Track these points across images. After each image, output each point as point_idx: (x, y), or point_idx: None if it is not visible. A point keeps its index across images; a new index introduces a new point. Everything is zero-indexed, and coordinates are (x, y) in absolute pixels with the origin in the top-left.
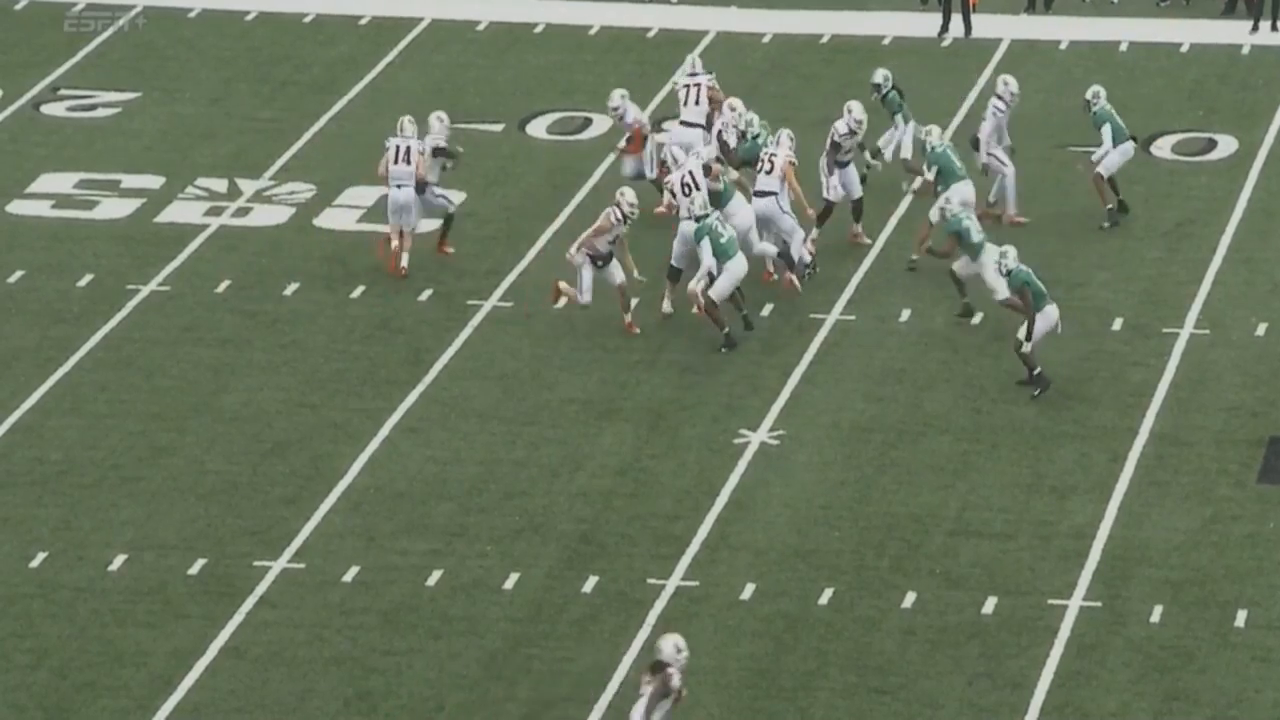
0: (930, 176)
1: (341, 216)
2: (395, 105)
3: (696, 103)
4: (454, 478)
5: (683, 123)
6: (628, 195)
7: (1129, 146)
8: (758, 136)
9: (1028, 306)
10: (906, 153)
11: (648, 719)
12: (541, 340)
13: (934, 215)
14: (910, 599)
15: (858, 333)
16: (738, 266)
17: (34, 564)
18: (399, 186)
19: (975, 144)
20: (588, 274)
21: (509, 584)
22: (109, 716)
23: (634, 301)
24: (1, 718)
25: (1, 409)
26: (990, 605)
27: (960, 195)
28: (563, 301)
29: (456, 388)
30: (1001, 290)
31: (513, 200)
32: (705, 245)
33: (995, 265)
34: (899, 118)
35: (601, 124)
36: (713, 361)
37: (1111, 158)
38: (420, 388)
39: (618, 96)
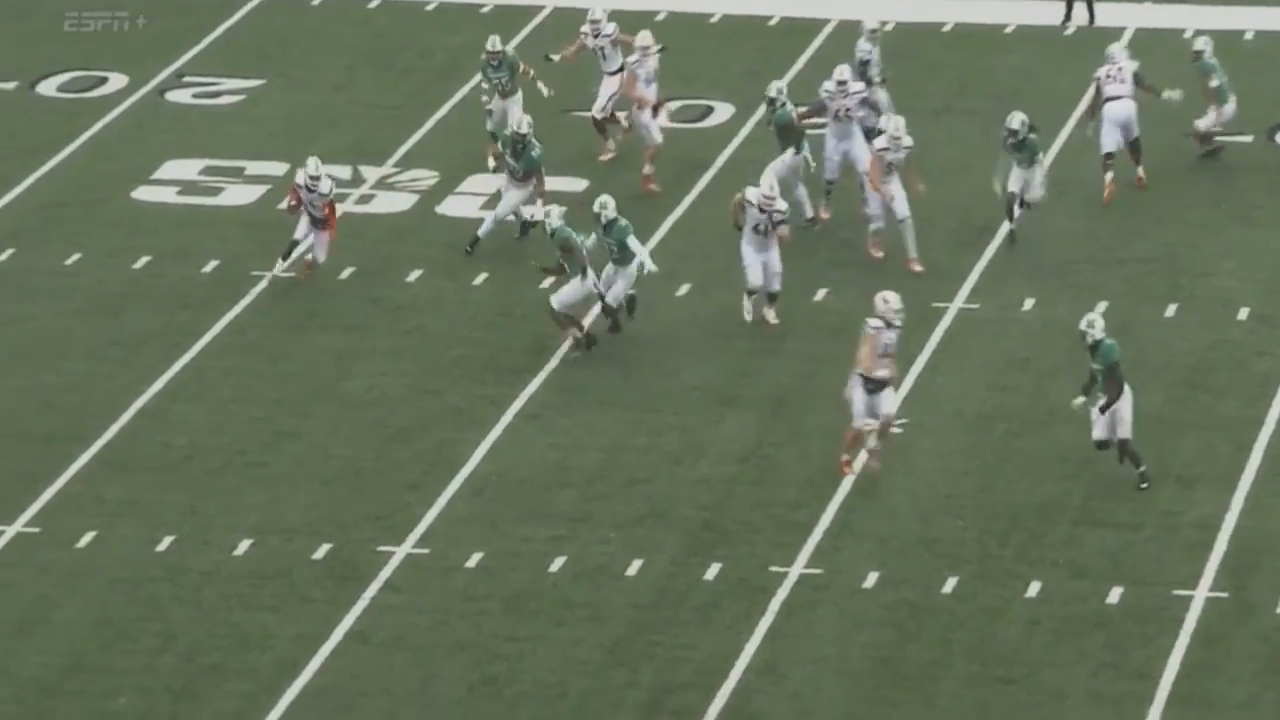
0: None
1: (464, 204)
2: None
3: (605, 57)
4: (576, 464)
5: (608, 74)
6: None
7: (1232, 106)
8: (784, 105)
9: (1115, 383)
10: (1039, 192)
11: None
12: (664, 328)
13: (544, 219)
14: (1035, 588)
15: (981, 321)
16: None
17: (160, 548)
18: None
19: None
20: (858, 396)
21: (632, 571)
22: (235, 699)
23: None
24: (129, 701)
25: (128, 394)
26: (1115, 595)
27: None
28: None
29: (579, 375)
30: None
31: (630, 188)
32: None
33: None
34: (1040, 156)
35: (724, 111)
36: (835, 350)
37: (1210, 116)
38: (542, 375)
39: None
